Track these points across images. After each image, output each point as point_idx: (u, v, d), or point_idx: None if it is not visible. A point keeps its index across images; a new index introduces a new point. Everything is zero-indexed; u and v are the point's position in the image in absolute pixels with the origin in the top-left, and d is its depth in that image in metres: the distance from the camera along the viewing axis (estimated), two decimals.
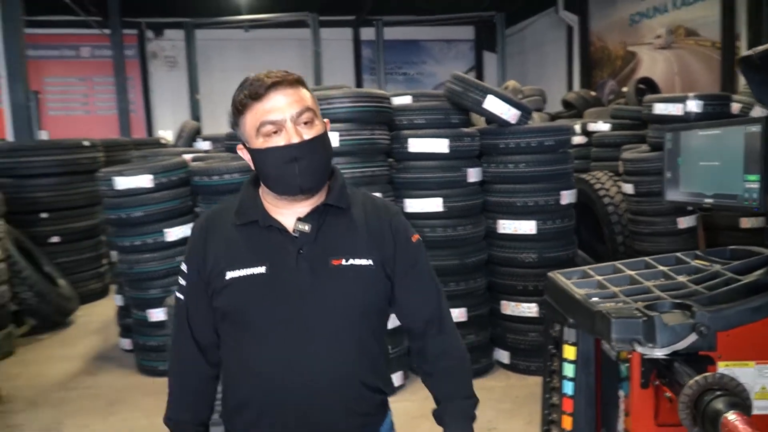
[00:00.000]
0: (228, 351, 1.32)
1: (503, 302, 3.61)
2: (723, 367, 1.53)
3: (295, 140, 1.21)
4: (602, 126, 5.91)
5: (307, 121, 1.24)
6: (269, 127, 1.22)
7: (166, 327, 3.25)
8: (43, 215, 5.45)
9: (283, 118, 1.21)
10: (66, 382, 3.90)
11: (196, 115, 11.77)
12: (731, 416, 1.31)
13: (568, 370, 2.13)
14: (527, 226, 3.51)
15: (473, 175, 3.59)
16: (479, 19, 12.63)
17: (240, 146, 1.30)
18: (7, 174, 5.29)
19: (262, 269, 1.25)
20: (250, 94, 1.21)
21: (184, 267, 1.34)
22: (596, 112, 7.36)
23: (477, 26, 13.76)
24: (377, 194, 3.22)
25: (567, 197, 3.58)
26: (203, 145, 5.76)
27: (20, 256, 4.74)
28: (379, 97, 3.49)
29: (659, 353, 1.64)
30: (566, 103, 8.88)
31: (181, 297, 1.35)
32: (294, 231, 1.27)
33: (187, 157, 4.27)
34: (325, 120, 1.30)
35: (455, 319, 3.45)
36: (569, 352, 2.10)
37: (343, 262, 1.27)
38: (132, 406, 3.49)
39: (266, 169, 1.25)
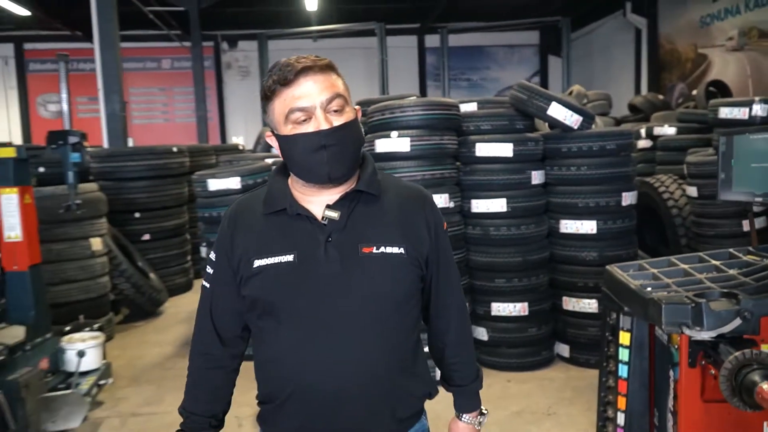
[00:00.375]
0: (257, 342, 1.29)
1: (564, 298, 3.81)
2: (765, 349, 1.68)
3: (325, 127, 1.18)
4: (668, 130, 5.96)
5: (338, 109, 1.20)
6: (298, 114, 1.18)
7: None
8: (137, 215, 6.01)
9: (312, 104, 1.18)
10: (162, 363, 4.36)
11: (265, 122, 12.34)
12: (766, 386, 1.52)
13: (624, 354, 2.38)
14: (588, 226, 3.70)
15: (537, 177, 3.81)
16: (544, 24, 12.68)
17: (269, 133, 1.27)
18: (107, 177, 5.87)
19: (290, 257, 1.21)
20: (279, 79, 1.17)
21: (212, 255, 1.32)
22: (663, 116, 7.37)
23: (542, 30, 13.81)
24: (445, 195, 3.52)
25: (628, 198, 3.74)
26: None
27: (118, 252, 5.29)
28: (448, 105, 3.77)
29: (705, 335, 1.85)
30: (633, 107, 8.87)
31: (207, 285, 1.33)
32: (323, 218, 1.23)
33: (268, 161, 4.68)
34: (356, 107, 1.27)
35: (517, 313, 3.67)
36: (624, 338, 2.36)
37: (374, 250, 1.22)
38: None
39: (294, 156, 1.21)
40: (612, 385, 2.49)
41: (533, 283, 3.77)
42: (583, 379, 3.61)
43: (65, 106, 4.83)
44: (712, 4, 8.87)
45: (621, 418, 2.43)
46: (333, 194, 1.24)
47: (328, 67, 1.21)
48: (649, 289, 2.20)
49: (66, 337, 3.41)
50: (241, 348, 1.36)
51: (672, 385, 2.06)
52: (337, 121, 1.19)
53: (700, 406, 1.99)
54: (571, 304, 3.78)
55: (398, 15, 12.48)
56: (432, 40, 13.66)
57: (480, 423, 1.45)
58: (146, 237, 6.08)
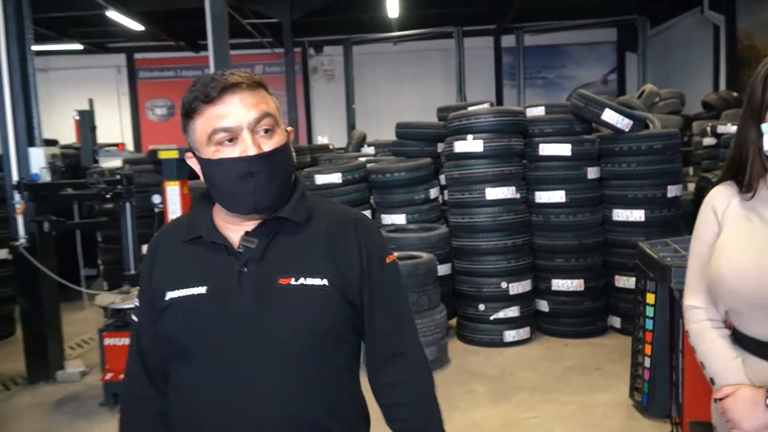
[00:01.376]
0: (170, 386, 1.18)
1: (617, 276, 4.49)
2: None
3: (252, 152, 1.08)
4: (730, 128, 6.40)
5: (268, 129, 1.10)
6: (222, 135, 1.08)
7: None
8: None
9: (238, 124, 1.08)
10: None
11: (351, 122, 13.35)
12: None
13: (649, 311, 3.15)
14: (637, 215, 4.36)
15: (592, 173, 4.51)
16: (621, 22, 12.98)
17: (189, 154, 1.16)
18: None
19: (202, 290, 1.12)
20: (201, 95, 1.07)
21: (139, 287, 1.24)
22: (734, 114, 7.72)
23: (619, 27, 14.06)
24: (513, 187, 4.29)
25: (673, 191, 4.38)
26: (368, 150, 7.12)
27: None
28: (516, 113, 4.54)
29: None
30: (706, 105, 9.18)
31: (135, 319, 1.23)
32: (239, 247, 1.14)
33: (362, 159, 5.60)
34: (289, 129, 1.18)
35: (574, 289, 4.41)
36: (650, 298, 3.13)
37: (292, 281, 1.12)
38: None
39: (217, 182, 1.11)
40: (641, 337, 3.23)
41: (588, 263, 4.48)
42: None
43: None
44: None
45: (647, 361, 3.18)
46: (256, 221, 1.15)
47: (258, 84, 1.12)
48: (668, 259, 2.93)
49: None
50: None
51: (681, 332, 2.79)
52: (267, 145, 1.09)
53: None
54: (622, 281, 4.46)
55: (475, 17, 13.14)
56: (508, 40, 14.21)
57: None
58: None
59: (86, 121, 7.82)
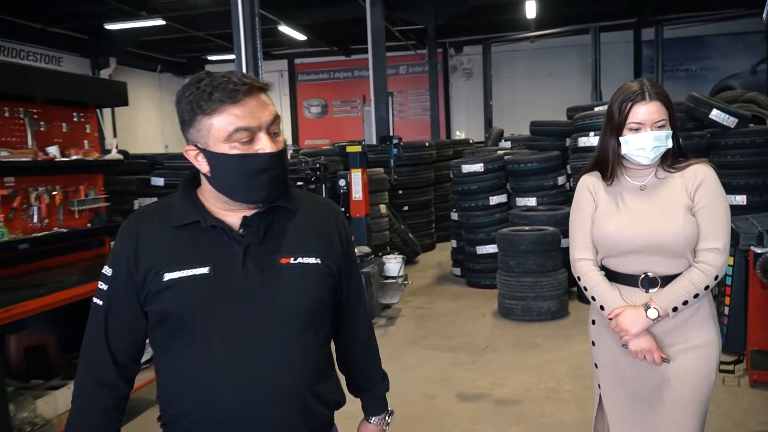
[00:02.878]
0: (165, 361, 1.26)
1: None
2: None
3: (269, 149, 1.20)
4: None
5: (277, 132, 1.24)
6: (243, 134, 1.19)
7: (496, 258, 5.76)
8: (400, 192, 8.54)
9: (258, 125, 1.20)
10: (427, 286, 6.75)
11: (488, 118, 14.44)
12: None
13: (729, 270, 3.99)
14: (740, 199, 5.16)
15: None
16: None
17: (191, 148, 1.24)
18: (381, 164, 8.47)
19: (205, 270, 1.22)
20: (226, 95, 1.17)
21: (107, 271, 1.28)
22: None
23: None
24: None
25: None
26: (505, 144, 8.29)
27: (393, 215, 7.82)
28: None
29: (761, 250, 3.52)
30: None
31: (100, 302, 1.28)
32: (239, 230, 1.25)
33: (500, 152, 6.80)
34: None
35: None
36: (730, 260, 3.93)
37: (291, 260, 1.26)
38: (468, 299, 6.12)
39: (231, 175, 1.22)
40: (722, 290, 4.16)
41: None
42: None
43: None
44: None
45: (727, 310, 4.07)
46: (251, 209, 1.26)
47: (267, 89, 1.24)
48: (742, 227, 3.88)
49: (384, 257, 5.89)
50: (134, 372, 1.31)
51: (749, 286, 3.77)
52: (277, 144, 1.22)
53: (759, 292, 3.64)
54: None
55: (613, 13, 13.61)
56: (648, 34, 14.46)
57: (388, 423, 1.56)
58: (405, 208, 8.58)
59: None
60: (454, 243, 7.14)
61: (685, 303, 1.85)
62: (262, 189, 1.23)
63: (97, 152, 3.99)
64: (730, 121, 5.20)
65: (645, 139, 1.87)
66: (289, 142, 16.21)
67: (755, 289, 3.67)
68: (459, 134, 15.13)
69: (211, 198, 1.28)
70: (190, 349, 1.22)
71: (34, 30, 12.14)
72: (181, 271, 1.21)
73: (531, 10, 12.33)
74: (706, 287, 1.87)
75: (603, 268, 2.00)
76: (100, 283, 1.29)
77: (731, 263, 4.07)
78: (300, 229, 1.31)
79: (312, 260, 1.28)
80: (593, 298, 1.97)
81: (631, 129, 1.90)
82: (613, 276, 1.96)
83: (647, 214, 1.92)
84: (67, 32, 12.99)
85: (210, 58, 17.13)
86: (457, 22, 14.06)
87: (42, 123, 3.61)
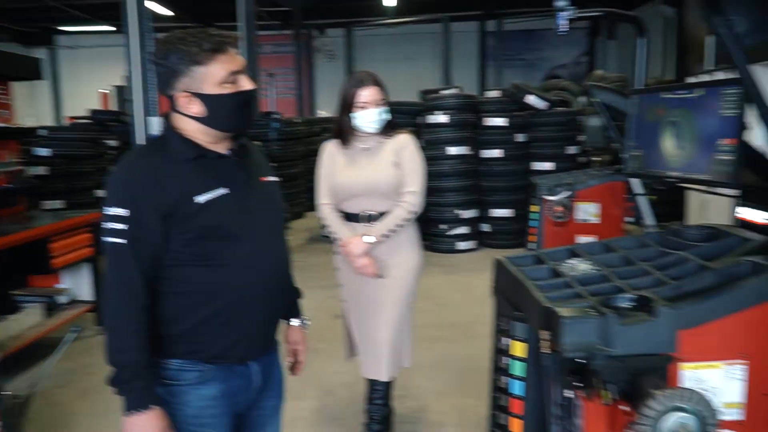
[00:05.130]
0: (200, 270, 1.52)
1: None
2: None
3: (251, 86, 1.54)
4: None
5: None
6: (236, 75, 1.51)
7: None
8: (275, 165, 9.38)
9: (242, 67, 1.53)
10: (303, 245, 7.73)
11: None
12: None
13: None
14: (548, 165, 6.71)
15: (520, 137, 6.86)
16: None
17: (185, 95, 1.49)
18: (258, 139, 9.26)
19: (226, 190, 1.53)
20: (217, 47, 1.47)
21: (122, 212, 1.45)
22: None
23: (592, 19, 16.17)
24: (468, 146, 6.66)
25: (570, 150, 6.73)
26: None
27: None
28: (470, 96, 6.89)
29: (551, 198, 4.87)
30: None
31: (123, 241, 1.46)
32: (231, 159, 1.59)
33: None
34: None
35: (507, 215, 6.81)
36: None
37: (267, 179, 1.69)
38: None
39: (226, 110, 1.52)
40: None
41: (516, 198, 6.90)
42: None
43: None
44: None
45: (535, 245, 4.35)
46: (227, 144, 1.60)
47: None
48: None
49: None
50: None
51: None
52: (252, 83, 1.56)
53: (551, 227, 5.04)
54: None
55: (464, 4, 15.18)
56: (492, 26, 16.31)
57: (306, 326, 1.90)
58: (278, 179, 9.44)
59: (122, 95, 9.99)
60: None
61: (393, 231, 2.58)
62: (248, 118, 1.59)
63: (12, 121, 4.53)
64: (542, 104, 6.74)
65: (370, 114, 2.58)
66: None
67: (549, 224, 5.10)
68: (323, 113, 16.05)
69: (199, 136, 1.55)
70: (231, 250, 1.54)
71: None
72: (210, 193, 1.50)
73: None
74: (407, 219, 2.61)
75: (340, 211, 2.69)
76: (113, 224, 1.46)
77: (536, 210, 5.49)
78: (257, 155, 1.71)
79: (273, 178, 1.72)
80: (333, 233, 2.68)
81: (358, 107, 2.58)
82: (346, 216, 2.67)
83: (368, 168, 2.63)
84: None
85: (62, 28, 16.57)
86: (320, 5, 14.94)
87: None
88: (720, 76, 5.84)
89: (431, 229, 6.95)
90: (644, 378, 1.44)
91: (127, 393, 1.45)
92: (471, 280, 5.86)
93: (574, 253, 2.08)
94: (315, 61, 17.40)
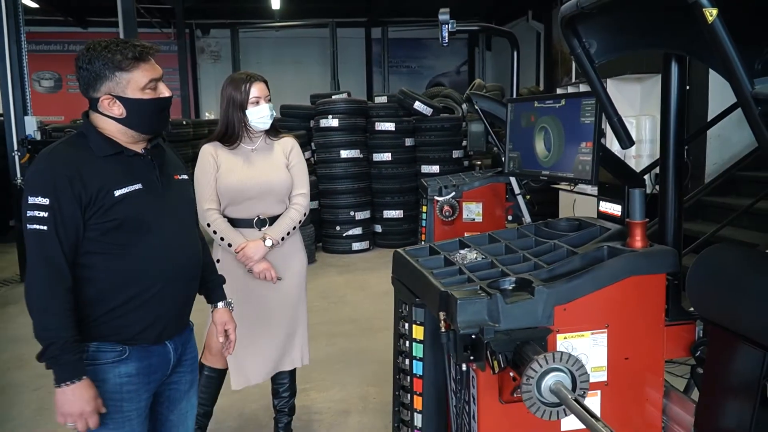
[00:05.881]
0: (114, 258, 1.66)
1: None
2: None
3: (168, 94, 1.71)
4: None
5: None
6: (155, 83, 1.67)
7: None
8: None
9: (160, 76, 1.69)
10: None
11: None
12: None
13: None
14: (435, 168, 7.09)
15: (409, 142, 7.21)
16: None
17: (108, 97, 1.63)
18: None
19: (139, 185, 1.67)
20: (139, 56, 1.62)
21: (42, 200, 1.56)
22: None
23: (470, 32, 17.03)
24: (357, 150, 6.91)
25: (457, 153, 7.16)
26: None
27: None
28: (361, 101, 7.14)
29: (440, 198, 5.20)
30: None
31: (44, 227, 1.56)
32: (148, 157, 1.73)
33: None
34: None
35: (397, 216, 7.12)
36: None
37: (179, 177, 1.84)
38: None
39: (146, 114, 1.67)
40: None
41: (406, 200, 7.22)
42: None
43: None
44: None
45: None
46: (142, 144, 1.73)
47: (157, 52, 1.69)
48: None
49: None
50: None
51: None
52: (169, 90, 1.72)
53: (440, 226, 5.37)
54: None
55: (348, 11, 15.50)
56: (377, 33, 16.74)
57: (232, 308, 2.07)
58: None
59: None
60: None
61: (288, 234, 2.60)
62: (165, 122, 1.76)
63: None
64: (427, 110, 7.11)
65: (264, 109, 2.55)
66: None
67: (438, 224, 5.43)
68: (208, 115, 15.70)
69: (117, 134, 1.69)
70: (146, 240, 1.69)
71: None
72: (126, 188, 1.65)
73: (276, 1, 13.50)
74: (300, 221, 2.65)
75: (225, 217, 2.60)
76: (34, 212, 1.56)
77: (425, 210, 5.82)
78: (171, 155, 1.86)
79: (185, 176, 1.88)
80: (222, 239, 2.57)
81: (251, 103, 2.54)
82: (233, 222, 2.60)
83: (261, 170, 2.59)
84: None
85: None
86: (203, 5, 14.63)
87: None
88: (584, 87, 6.49)
89: (326, 231, 7.10)
90: (526, 347, 1.64)
91: (58, 366, 1.56)
92: (367, 278, 6.08)
93: (463, 244, 2.31)
94: (199, 62, 17.02)
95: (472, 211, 5.37)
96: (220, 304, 2.04)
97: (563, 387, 1.53)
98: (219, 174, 2.57)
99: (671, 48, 1.76)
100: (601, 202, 2.26)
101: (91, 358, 1.65)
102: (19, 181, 6.01)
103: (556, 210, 6.59)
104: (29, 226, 1.57)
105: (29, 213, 1.57)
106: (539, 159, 2.26)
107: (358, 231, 7.06)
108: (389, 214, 7.19)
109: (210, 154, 2.59)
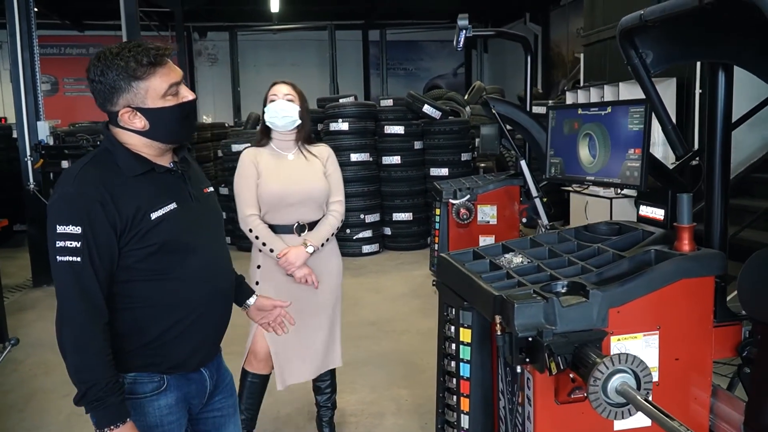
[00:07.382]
0: (155, 284, 1.54)
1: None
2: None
3: (191, 97, 1.55)
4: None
5: None
6: (177, 87, 1.51)
7: None
8: None
9: (180, 79, 1.52)
10: None
11: (237, 103, 15.35)
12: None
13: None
14: (444, 171, 7.16)
15: (418, 145, 7.26)
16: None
17: (128, 110, 1.47)
18: None
19: (174, 205, 1.54)
20: (155, 60, 1.46)
21: (74, 229, 1.42)
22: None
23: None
24: (366, 153, 6.95)
25: (465, 156, 7.23)
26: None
27: None
28: (370, 105, 7.18)
29: (455, 201, 5.25)
30: (520, 98, 12.35)
31: (77, 259, 1.42)
32: (175, 172, 1.60)
33: None
34: None
35: (406, 219, 7.20)
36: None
37: (207, 190, 1.71)
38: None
39: (171, 121, 1.52)
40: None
41: (415, 203, 7.30)
42: None
43: None
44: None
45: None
46: (169, 156, 1.61)
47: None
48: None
49: None
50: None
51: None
52: (192, 93, 1.57)
53: (455, 229, 5.43)
54: None
55: (346, 14, 15.54)
56: (375, 35, 16.80)
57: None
58: None
59: None
60: (223, 214, 8.11)
61: (327, 240, 2.68)
62: (192, 128, 1.65)
63: None
64: (436, 114, 7.18)
65: (277, 104, 2.60)
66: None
67: (453, 227, 5.49)
68: (206, 118, 15.70)
69: (143, 149, 1.54)
70: (188, 261, 1.57)
71: None
72: (162, 209, 1.51)
73: (275, 4, 13.52)
74: (338, 227, 2.73)
75: (265, 222, 2.63)
76: (65, 243, 1.42)
77: (438, 213, 5.86)
78: (196, 167, 1.73)
79: (211, 189, 1.75)
80: (264, 244, 2.59)
81: (270, 101, 2.64)
82: (273, 228, 2.63)
83: (302, 177, 2.64)
84: None
85: None
86: (202, 8, 14.62)
87: None
88: (592, 91, 6.57)
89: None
90: (586, 349, 1.65)
91: (100, 410, 1.43)
92: (380, 281, 6.13)
93: (506, 248, 2.31)
94: (197, 65, 17.01)
95: (487, 213, 5.42)
96: (251, 300, 1.92)
97: (630, 387, 1.57)
98: (260, 181, 2.61)
99: (721, 57, 1.83)
100: (641, 206, 2.32)
101: (127, 391, 1.53)
102: (31, 186, 6.01)
103: (562, 212, 6.68)
104: (60, 258, 1.42)
105: (59, 243, 1.42)
106: (583, 165, 2.32)
107: (368, 234, 7.11)
108: (399, 216, 7.24)
109: (251, 161, 2.65)
